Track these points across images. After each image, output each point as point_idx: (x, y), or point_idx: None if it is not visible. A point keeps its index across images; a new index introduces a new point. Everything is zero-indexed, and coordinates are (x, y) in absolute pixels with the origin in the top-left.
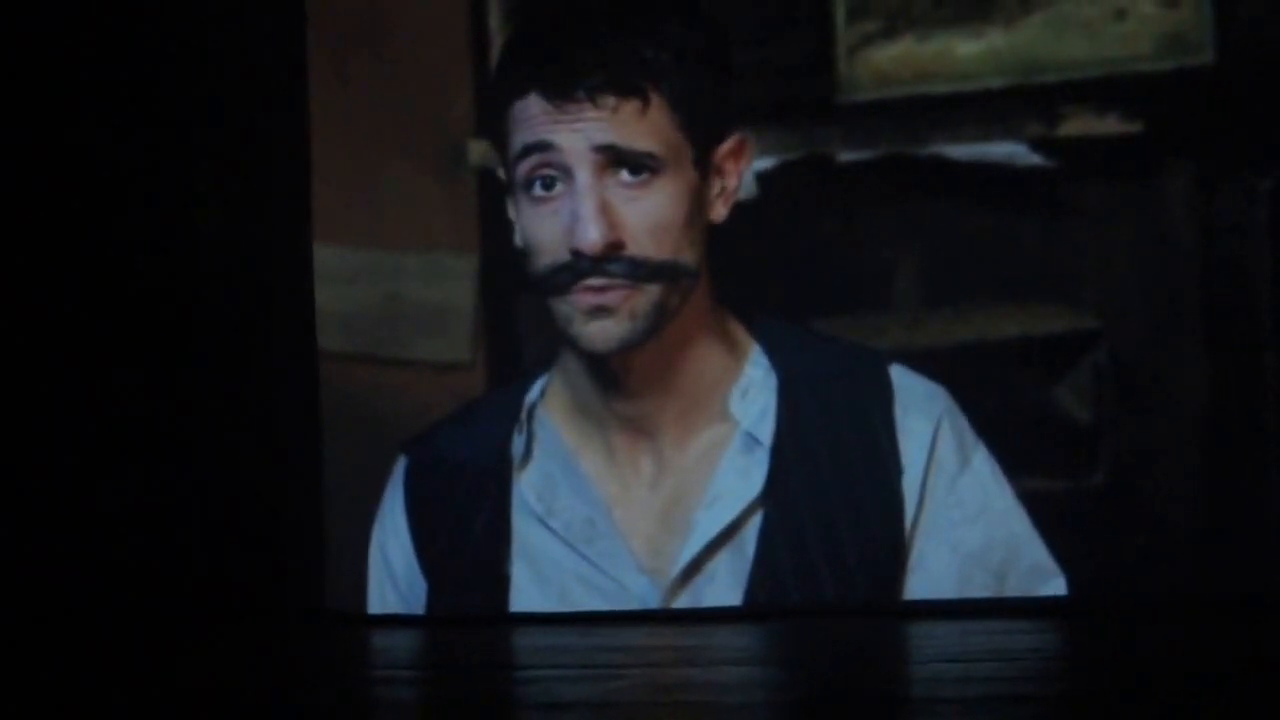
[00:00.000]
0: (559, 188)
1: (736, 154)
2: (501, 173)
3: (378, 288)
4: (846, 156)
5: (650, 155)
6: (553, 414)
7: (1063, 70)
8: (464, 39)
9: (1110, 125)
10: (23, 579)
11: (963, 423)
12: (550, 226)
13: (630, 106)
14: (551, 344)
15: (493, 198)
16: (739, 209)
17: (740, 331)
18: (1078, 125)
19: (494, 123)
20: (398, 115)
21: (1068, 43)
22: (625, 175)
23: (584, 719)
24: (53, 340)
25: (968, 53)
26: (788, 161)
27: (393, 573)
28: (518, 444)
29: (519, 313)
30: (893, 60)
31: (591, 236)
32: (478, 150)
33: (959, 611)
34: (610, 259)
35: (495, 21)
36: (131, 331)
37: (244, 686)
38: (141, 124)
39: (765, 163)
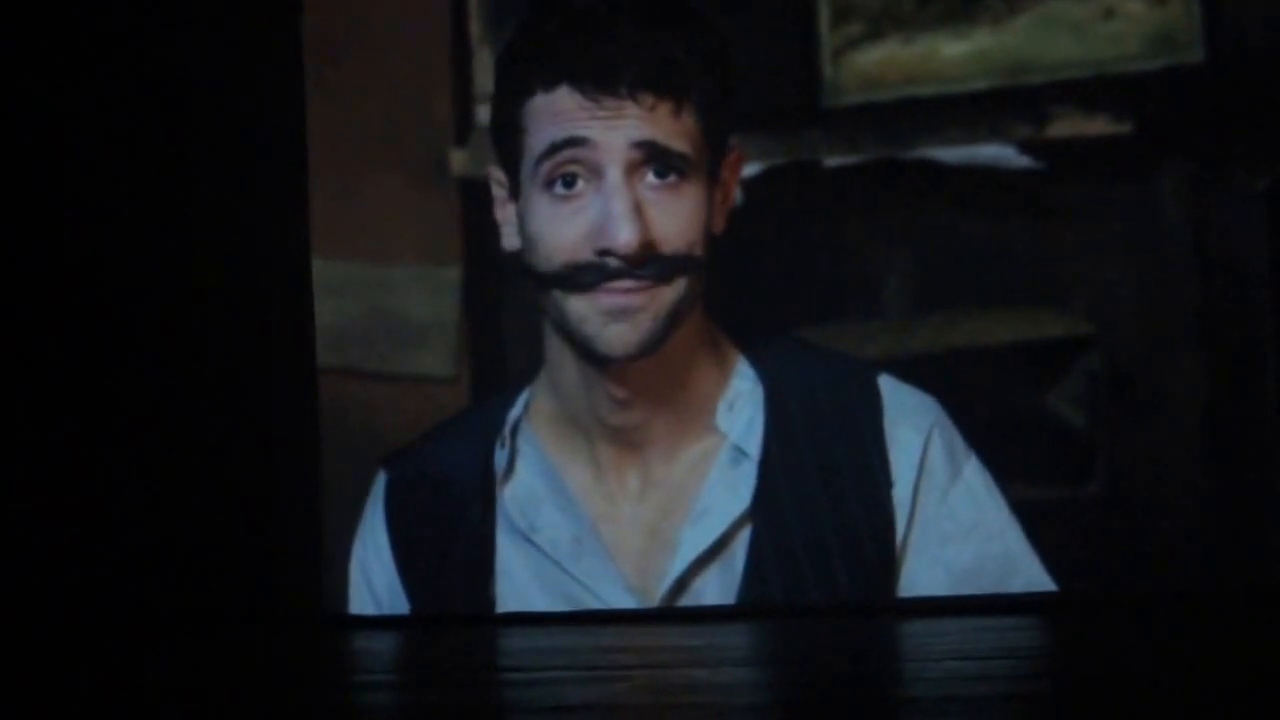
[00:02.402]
0: (581, 185)
1: (735, 166)
2: (499, 174)
3: (361, 301)
4: (832, 161)
5: (683, 157)
6: (536, 429)
7: (1051, 71)
8: (445, 47)
9: (1100, 126)
10: (40, 583)
11: (954, 434)
12: (573, 225)
13: (665, 107)
14: (535, 357)
15: (476, 209)
16: None
17: (726, 342)
18: (1067, 126)
19: (501, 118)
20: (379, 126)
21: (1055, 43)
22: (652, 177)
23: None
24: (53, 350)
25: (954, 54)
26: (773, 167)
27: (375, 591)
28: (500, 459)
29: (503, 326)
30: (878, 63)
31: (626, 236)
32: (459, 160)
33: (958, 609)
34: (641, 260)
35: (476, 30)
36: (131, 341)
37: (241, 690)
38: (137, 137)
39: (750, 169)
